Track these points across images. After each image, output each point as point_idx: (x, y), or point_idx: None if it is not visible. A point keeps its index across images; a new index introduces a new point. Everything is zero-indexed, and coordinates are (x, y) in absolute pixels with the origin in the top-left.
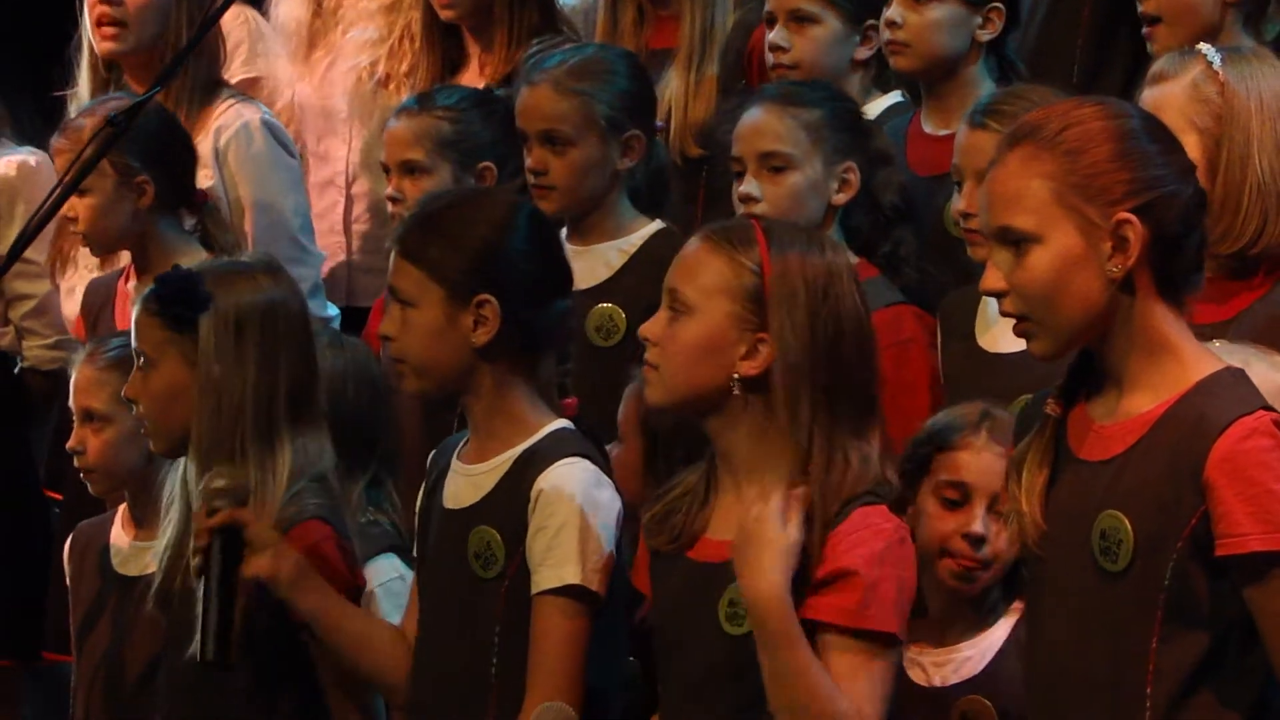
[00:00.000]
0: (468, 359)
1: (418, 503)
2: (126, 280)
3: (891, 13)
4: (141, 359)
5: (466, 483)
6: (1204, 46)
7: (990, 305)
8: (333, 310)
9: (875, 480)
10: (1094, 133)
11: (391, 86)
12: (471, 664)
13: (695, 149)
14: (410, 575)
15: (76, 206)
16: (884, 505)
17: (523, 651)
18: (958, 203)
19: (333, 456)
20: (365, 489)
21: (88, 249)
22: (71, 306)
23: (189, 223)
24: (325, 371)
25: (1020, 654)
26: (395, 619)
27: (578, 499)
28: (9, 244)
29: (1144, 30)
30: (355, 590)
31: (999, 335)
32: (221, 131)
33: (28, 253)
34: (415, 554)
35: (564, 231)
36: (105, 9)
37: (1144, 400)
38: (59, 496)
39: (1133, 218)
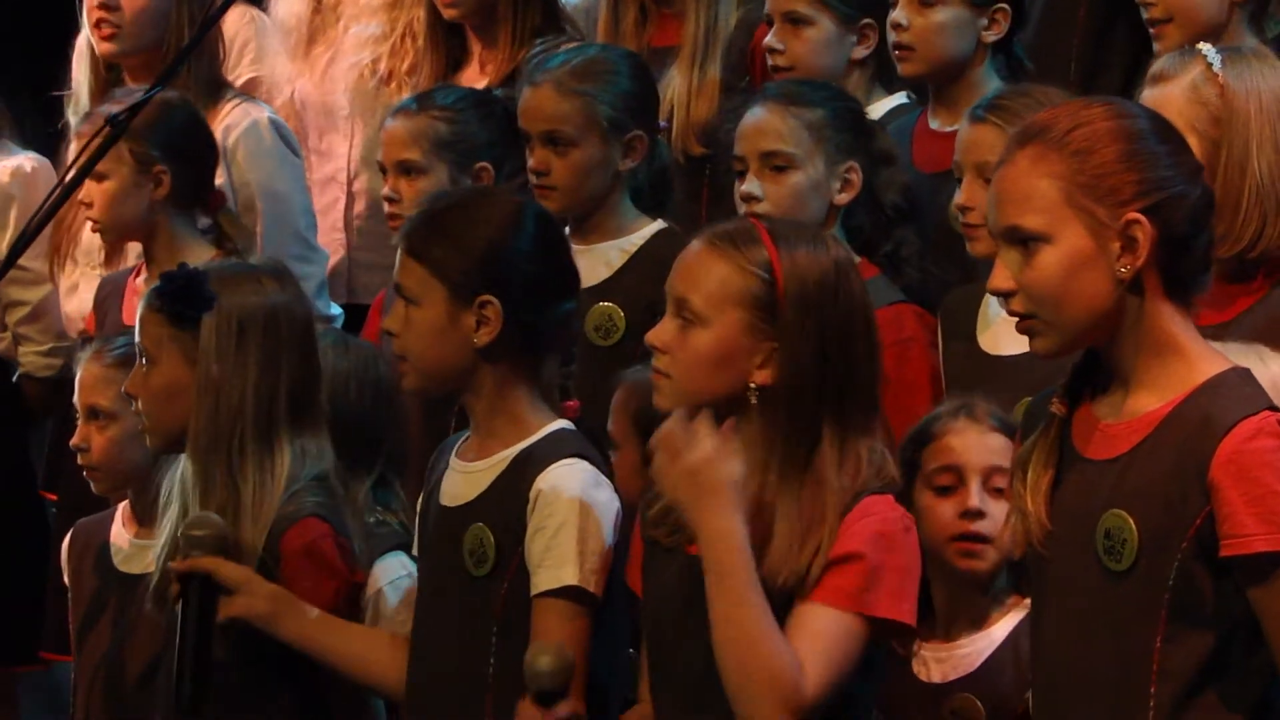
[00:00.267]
0: (469, 358)
1: (419, 502)
2: (137, 276)
3: (896, 16)
4: (143, 355)
5: (464, 480)
6: (1204, 47)
7: (991, 306)
8: (336, 310)
9: (880, 476)
10: (1103, 133)
11: (393, 85)
12: (468, 663)
13: (698, 148)
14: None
15: (93, 192)
16: (889, 497)
17: (521, 652)
18: (958, 197)
19: (333, 458)
20: (372, 489)
21: (98, 236)
22: (72, 304)
23: (203, 222)
24: (329, 372)
25: (1018, 653)
26: (403, 617)
27: (576, 500)
28: (3, 249)
29: (1151, 31)
30: (355, 588)
31: (1000, 337)
32: (230, 130)
33: (22, 259)
34: (415, 552)
35: (566, 230)
36: (102, 12)
37: (1150, 399)
38: (54, 497)
39: (1142, 218)
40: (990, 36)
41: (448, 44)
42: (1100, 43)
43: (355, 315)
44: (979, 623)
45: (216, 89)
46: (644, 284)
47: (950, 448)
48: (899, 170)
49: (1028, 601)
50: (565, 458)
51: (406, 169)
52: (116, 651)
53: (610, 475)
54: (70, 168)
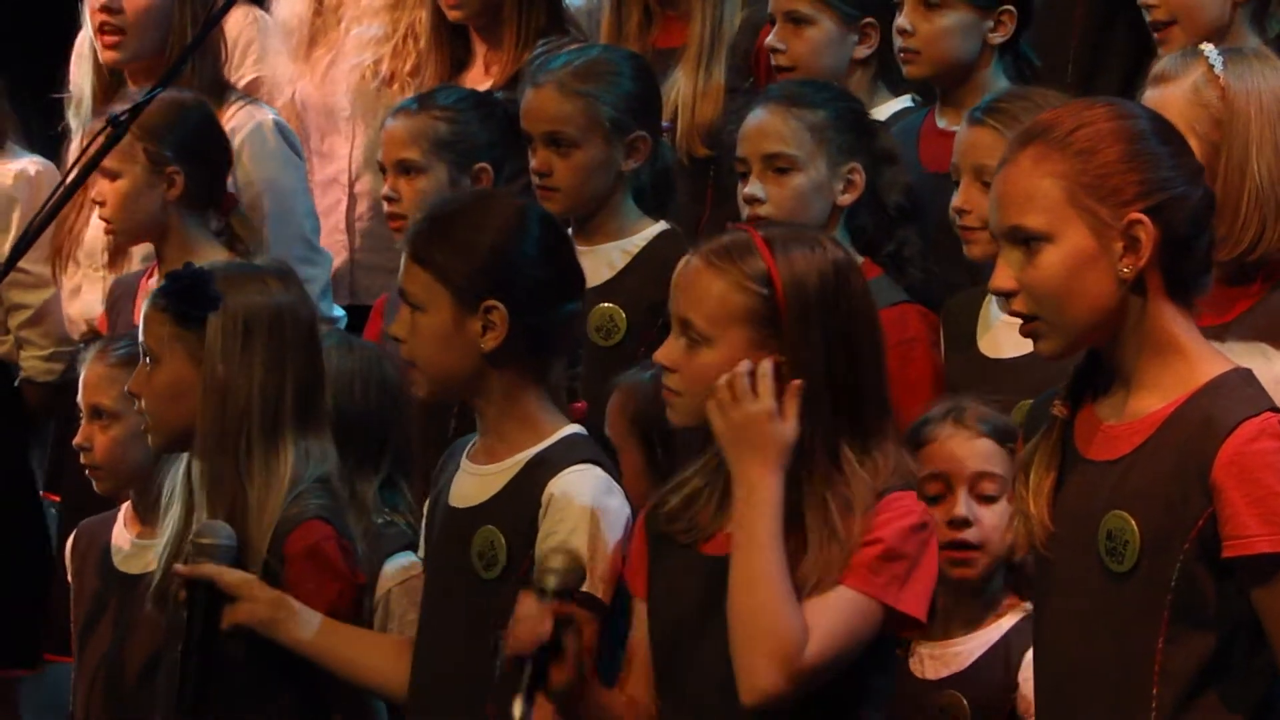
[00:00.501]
0: (477, 364)
1: (427, 502)
2: (149, 278)
3: (902, 20)
4: (147, 354)
5: (475, 482)
6: (1206, 48)
7: (991, 310)
8: (338, 311)
9: (899, 475)
10: (1105, 133)
11: (395, 86)
12: (473, 664)
13: (703, 149)
14: None
15: (105, 190)
16: (911, 494)
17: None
18: (956, 200)
19: (336, 459)
20: (379, 489)
21: (100, 237)
22: (75, 306)
23: (215, 224)
24: (333, 373)
25: (1010, 655)
26: (413, 617)
27: (588, 506)
28: (5, 252)
29: (1155, 35)
30: (358, 590)
31: (999, 340)
32: (234, 132)
33: (23, 263)
34: (422, 552)
35: (569, 231)
36: (105, 17)
37: (1152, 400)
38: (56, 498)
39: (1144, 218)
40: (996, 38)
41: (451, 45)
42: (1098, 44)
43: (357, 317)
44: (974, 623)
45: (220, 90)
46: (646, 285)
47: (937, 454)
48: (901, 170)
49: (1025, 604)
50: (578, 463)
51: (406, 168)
52: (116, 651)
53: (619, 480)
54: (72, 168)
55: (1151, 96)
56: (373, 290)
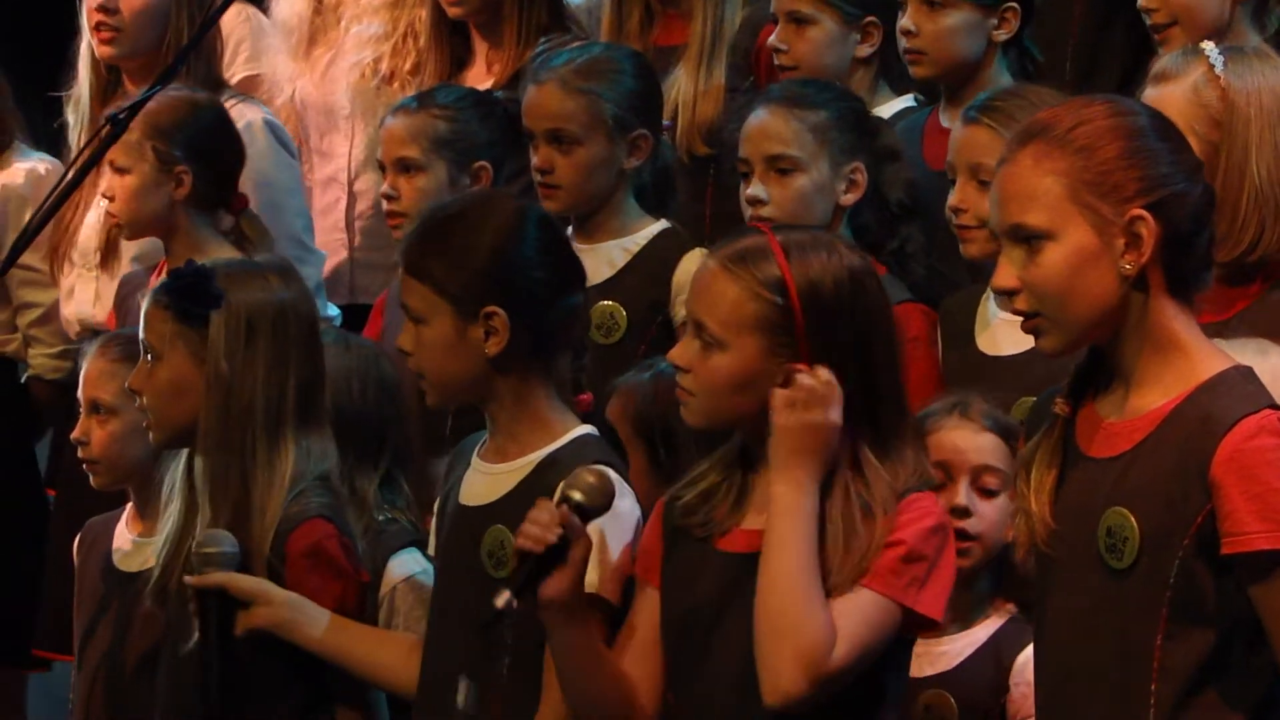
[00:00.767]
0: (483, 369)
1: (437, 501)
2: (157, 275)
3: (905, 21)
4: (148, 351)
5: (485, 481)
6: (1207, 46)
7: (989, 308)
8: (333, 310)
9: (918, 477)
10: (1105, 130)
11: (395, 85)
12: (482, 662)
13: (703, 148)
14: (432, 570)
15: (114, 186)
16: (930, 495)
17: (535, 654)
18: (952, 198)
19: (336, 457)
20: (379, 487)
21: (93, 237)
22: (69, 307)
23: (226, 223)
24: (331, 371)
25: (999, 658)
26: (419, 613)
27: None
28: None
29: (1156, 37)
30: (361, 587)
31: (998, 337)
32: None
33: (37, 262)
34: (431, 551)
35: (569, 230)
36: (101, 17)
37: (1153, 397)
38: (52, 492)
39: (1146, 214)
40: (1001, 36)
41: (451, 43)
42: (1097, 42)
43: (357, 316)
44: (961, 622)
45: (215, 88)
46: (646, 284)
47: (941, 444)
48: (904, 167)
49: (1010, 606)
50: (585, 464)
51: (405, 167)
52: (116, 649)
53: (629, 480)
54: (70, 167)
55: (1151, 95)
56: (372, 289)
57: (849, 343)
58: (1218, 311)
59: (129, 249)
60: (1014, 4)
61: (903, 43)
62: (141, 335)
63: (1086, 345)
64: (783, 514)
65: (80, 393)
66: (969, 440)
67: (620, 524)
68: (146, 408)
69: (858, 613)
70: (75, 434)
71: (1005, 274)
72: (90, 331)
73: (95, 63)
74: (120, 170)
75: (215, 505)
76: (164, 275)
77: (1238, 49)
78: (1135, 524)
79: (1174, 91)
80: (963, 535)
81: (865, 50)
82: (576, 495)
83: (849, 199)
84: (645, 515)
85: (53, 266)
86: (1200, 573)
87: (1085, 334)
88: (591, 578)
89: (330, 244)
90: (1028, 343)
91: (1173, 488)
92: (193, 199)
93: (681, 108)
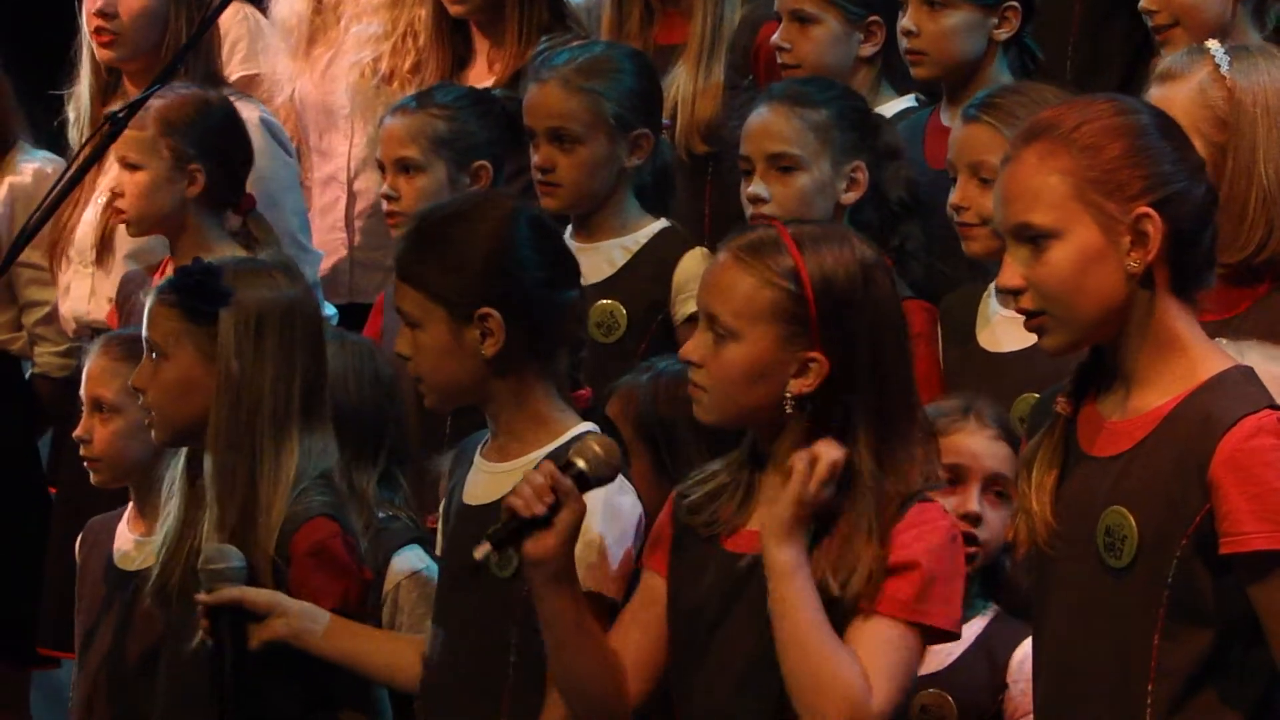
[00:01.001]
0: (480, 371)
1: (441, 504)
2: (160, 273)
3: (906, 22)
4: (153, 349)
5: (489, 480)
6: (1212, 46)
7: (990, 304)
8: (330, 310)
9: (924, 477)
10: (1109, 129)
11: (395, 84)
12: (486, 661)
13: (702, 146)
14: (435, 566)
15: (124, 182)
16: (938, 503)
17: (539, 653)
18: (953, 197)
19: (336, 454)
20: (378, 484)
21: (90, 235)
22: (65, 305)
23: (233, 223)
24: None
25: (992, 657)
26: (422, 610)
27: (599, 506)
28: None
29: (1158, 38)
30: (365, 585)
31: (999, 334)
32: None
33: (43, 260)
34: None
35: (569, 228)
36: (100, 22)
37: (1153, 397)
38: (54, 491)
39: (1152, 212)
40: (1002, 35)
41: (452, 42)
42: (1097, 41)
43: (357, 315)
44: None
45: (213, 87)
46: (646, 282)
47: (957, 448)
48: (904, 165)
49: (993, 606)
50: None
51: (405, 166)
52: (118, 649)
53: (631, 480)
54: (69, 167)
55: (1156, 95)
56: (371, 288)
57: (861, 333)
58: (1224, 311)
59: (124, 246)
60: (1014, 3)
61: (903, 43)
62: (146, 333)
63: (1090, 344)
64: (786, 576)
65: (82, 391)
66: (984, 447)
67: (622, 522)
68: (150, 406)
69: (889, 649)
70: (77, 432)
71: (1010, 273)
72: (86, 329)
73: (95, 63)
74: (132, 166)
75: (222, 504)
76: (167, 273)
77: (1243, 48)
78: (1134, 523)
79: (1179, 91)
80: (971, 540)
81: (868, 50)
82: (580, 463)
83: (850, 197)
84: (648, 517)
85: (51, 264)
86: (1199, 572)
87: (1090, 333)
88: (595, 576)
89: (329, 243)
90: (1028, 340)
91: (1172, 487)
92: (203, 197)
93: (681, 106)
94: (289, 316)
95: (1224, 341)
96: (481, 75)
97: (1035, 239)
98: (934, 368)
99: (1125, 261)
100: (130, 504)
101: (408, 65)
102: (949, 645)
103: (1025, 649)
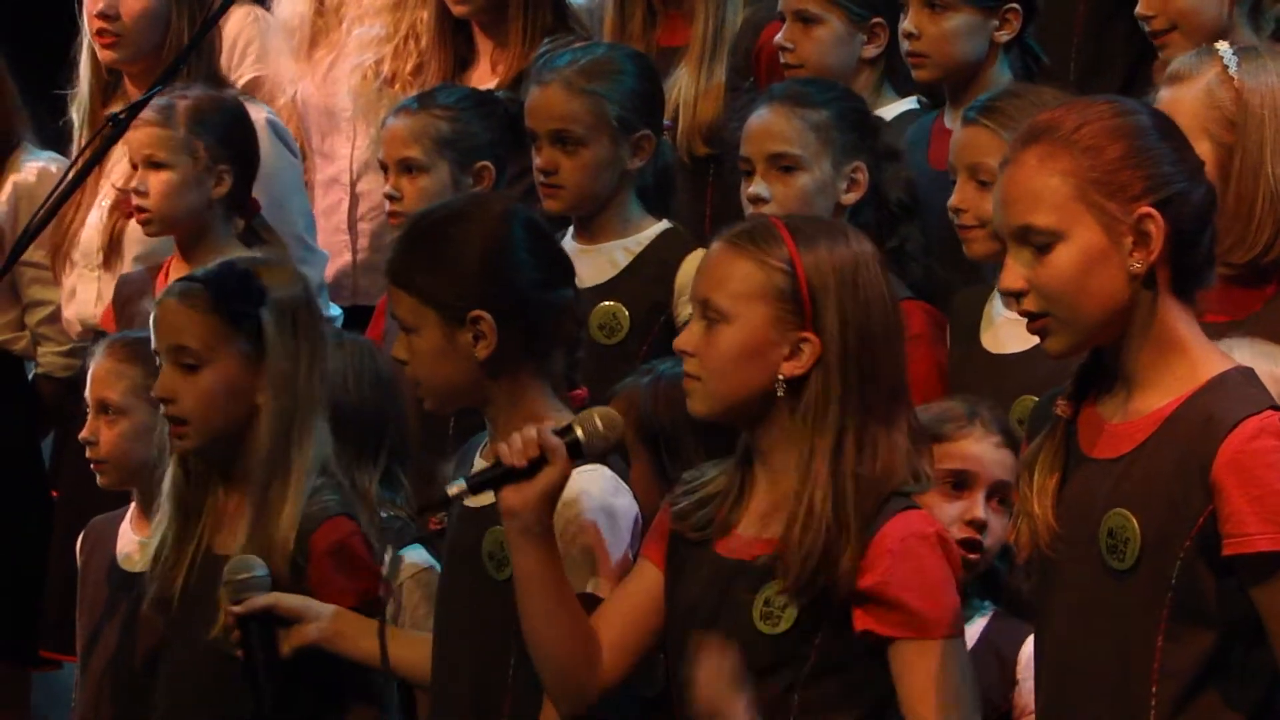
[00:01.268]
0: (476, 373)
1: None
2: (165, 276)
3: (907, 24)
4: (185, 357)
5: None
6: (1221, 47)
7: (995, 306)
8: (335, 310)
9: (909, 471)
10: (1110, 130)
11: (396, 86)
12: (487, 665)
13: (703, 148)
14: (438, 566)
15: (148, 179)
16: (921, 510)
17: None
18: (953, 199)
19: (331, 443)
20: (379, 484)
21: (95, 236)
22: (71, 308)
23: (238, 227)
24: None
25: (1000, 655)
26: (425, 610)
27: (596, 506)
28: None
29: (1155, 42)
30: (381, 584)
31: (1002, 336)
32: None
33: (46, 260)
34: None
35: (571, 230)
36: (102, 23)
37: (1154, 398)
38: (55, 494)
39: (1154, 212)
40: (1003, 37)
41: (454, 44)
42: (1100, 42)
43: (360, 317)
44: None
45: (216, 88)
46: (649, 284)
47: (965, 453)
48: (903, 166)
49: (991, 606)
50: (587, 464)
51: (408, 167)
52: (124, 650)
53: (630, 482)
54: (70, 168)
55: (1165, 96)
56: (375, 290)
57: (851, 319)
58: (1232, 312)
59: (133, 248)
60: (1015, 5)
61: (905, 45)
62: (173, 342)
63: (1093, 346)
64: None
65: (87, 393)
66: (991, 454)
67: (619, 523)
68: (184, 414)
69: (940, 676)
70: (83, 434)
71: (1012, 275)
72: (92, 332)
73: (96, 65)
74: (158, 165)
75: (258, 509)
76: (171, 276)
77: (1252, 49)
78: (1137, 525)
79: (1188, 92)
80: (975, 546)
81: (871, 51)
82: (577, 431)
83: (850, 198)
84: (646, 518)
85: (54, 266)
86: (1201, 574)
87: (1093, 334)
88: (590, 578)
89: (333, 245)
90: (1031, 341)
91: (1174, 489)
92: (226, 199)
93: (682, 108)
94: (309, 310)
95: (1220, 342)
96: (484, 77)
97: (1037, 241)
98: (933, 369)
99: (1128, 262)
100: (133, 505)
101: (409, 68)
102: None
103: (1032, 644)
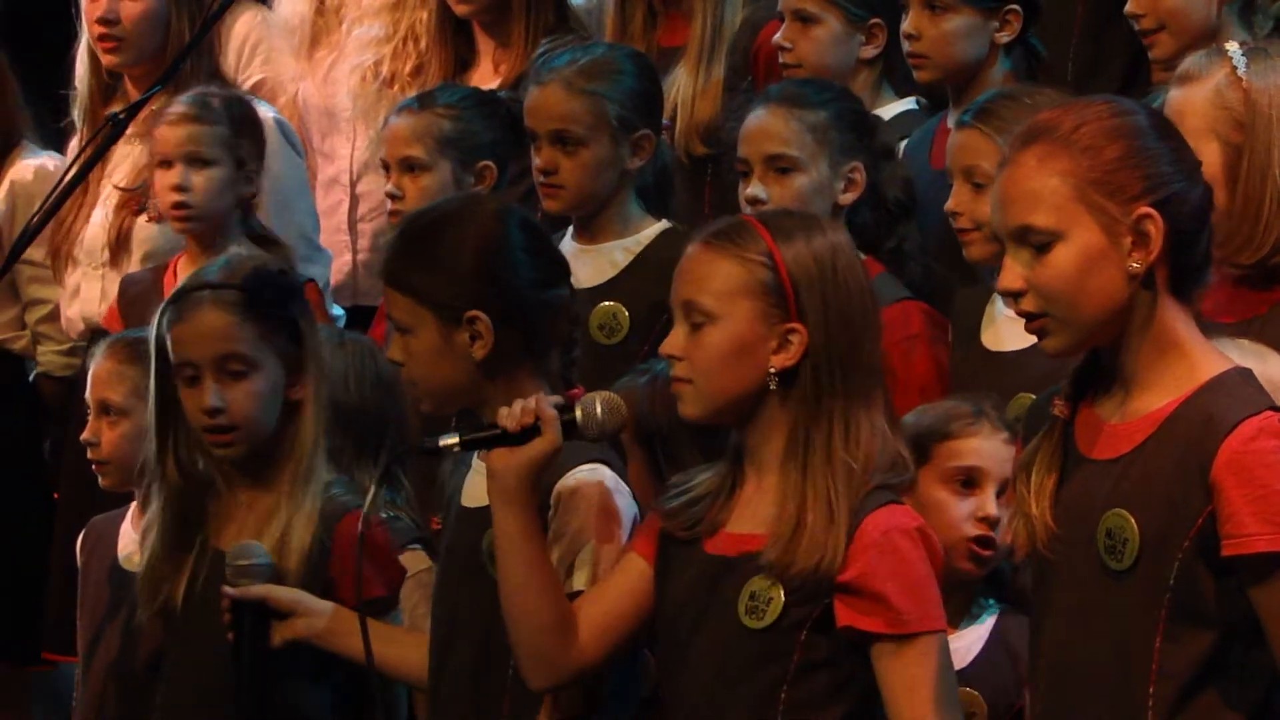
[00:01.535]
0: (472, 374)
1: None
2: (173, 275)
3: (908, 25)
4: (233, 365)
5: (484, 482)
6: (1231, 47)
7: (996, 304)
8: (338, 311)
9: (891, 458)
10: (1108, 130)
11: (395, 87)
12: (487, 665)
13: (701, 147)
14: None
15: (192, 177)
16: (904, 505)
17: None
18: (949, 203)
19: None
20: (378, 483)
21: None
22: (74, 307)
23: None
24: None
25: (1012, 650)
26: (424, 610)
27: (595, 506)
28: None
29: (1145, 41)
30: (403, 574)
31: (1002, 334)
32: None
33: (46, 259)
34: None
35: (570, 230)
36: (103, 28)
37: (1153, 399)
38: (55, 495)
39: (1154, 212)
40: (1004, 38)
41: (455, 44)
42: (1098, 42)
43: (361, 317)
44: (952, 621)
45: (223, 87)
46: (649, 284)
47: (976, 450)
48: (900, 165)
49: (997, 604)
50: (586, 462)
51: (410, 166)
52: (127, 650)
53: (627, 479)
54: (69, 168)
55: (1174, 96)
56: (376, 291)
57: (834, 306)
58: (1239, 313)
59: (141, 246)
60: (1015, 6)
61: (906, 46)
62: (220, 352)
63: (1091, 346)
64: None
65: (89, 394)
66: (1001, 451)
67: (618, 522)
68: (232, 423)
69: (920, 679)
70: (85, 435)
71: (1011, 275)
72: (92, 331)
73: (95, 66)
74: (204, 162)
75: (287, 497)
76: (180, 275)
77: (1261, 50)
78: (1135, 526)
79: (1197, 93)
80: (989, 543)
81: (869, 51)
82: (577, 412)
83: (847, 198)
84: (643, 518)
85: (54, 267)
86: (1200, 574)
87: (1092, 334)
88: (588, 577)
89: (334, 245)
90: (1030, 339)
91: (1173, 489)
92: (247, 198)
93: (680, 107)
94: (308, 304)
95: (1216, 341)
96: (485, 77)
97: (1036, 241)
98: (932, 368)
99: (1126, 262)
100: (134, 504)
101: (409, 68)
102: (966, 642)
103: None
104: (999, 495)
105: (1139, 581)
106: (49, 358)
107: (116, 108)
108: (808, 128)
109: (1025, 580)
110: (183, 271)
